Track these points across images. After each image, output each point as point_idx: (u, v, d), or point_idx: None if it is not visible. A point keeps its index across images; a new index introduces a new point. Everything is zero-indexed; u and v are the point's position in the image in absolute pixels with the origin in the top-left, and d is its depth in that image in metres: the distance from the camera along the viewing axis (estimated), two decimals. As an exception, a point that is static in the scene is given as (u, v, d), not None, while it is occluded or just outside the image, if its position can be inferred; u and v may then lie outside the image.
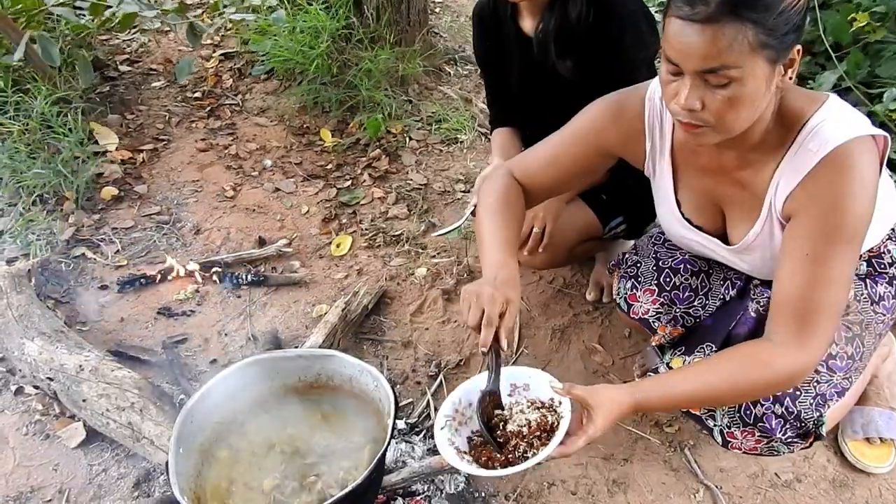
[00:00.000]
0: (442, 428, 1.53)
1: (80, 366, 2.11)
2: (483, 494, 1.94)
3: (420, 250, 2.77)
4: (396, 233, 2.87)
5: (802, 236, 1.42)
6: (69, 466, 2.06)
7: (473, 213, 2.07)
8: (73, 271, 2.73)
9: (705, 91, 1.31)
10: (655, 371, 1.88)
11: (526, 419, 1.51)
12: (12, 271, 2.51)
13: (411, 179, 3.16)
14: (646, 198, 2.37)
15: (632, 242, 2.58)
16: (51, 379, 2.14)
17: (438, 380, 2.26)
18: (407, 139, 3.39)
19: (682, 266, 1.91)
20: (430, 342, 2.40)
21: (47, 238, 2.81)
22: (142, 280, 2.66)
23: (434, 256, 2.73)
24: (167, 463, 1.60)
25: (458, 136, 3.40)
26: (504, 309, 1.49)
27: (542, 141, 1.80)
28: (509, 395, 1.57)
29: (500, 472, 1.44)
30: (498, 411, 1.54)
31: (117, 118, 3.43)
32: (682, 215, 1.71)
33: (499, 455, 1.47)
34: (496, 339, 1.48)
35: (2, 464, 2.07)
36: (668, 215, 1.74)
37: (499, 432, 1.50)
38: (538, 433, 1.47)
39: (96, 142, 3.24)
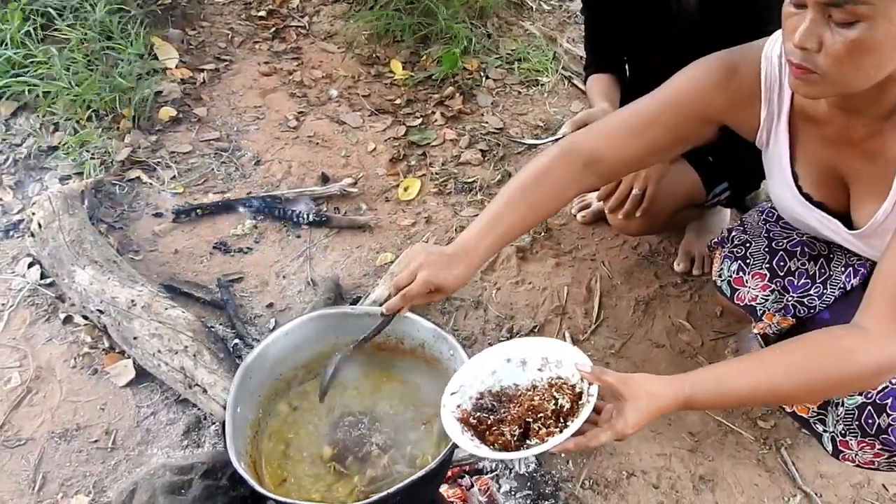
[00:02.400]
0: (454, 393, 1.39)
1: (133, 301, 1.98)
2: (555, 479, 1.78)
3: (494, 201, 2.57)
4: (469, 179, 2.66)
5: None
6: (117, 406, 1.95)
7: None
8: (126, 195, 2.59)
9: (825, 29, 1.10)
10: None
11: (543, 400, 1.31)
12: (65, 191, 2.37)
13: (486, 122, 2.93)
14: (755, 161, 2.14)
15: (727, 213, 2.36)
16: (101, 311, 2.01)
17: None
18: (483, 78, 3.14)
19: (798, 249, 1.67)
20: (501, 304, 2.22)
21: (101, 158, 2.67)
22: (198, 210, 2.51)
23: (509, 209, 2.53)
24: (223, 424, 1.47)
25: (539, 77, 3.14)
26: (422, 291, 1.41)
27: (626, 107, 1.56)
28: (539, 370, 1.39)
29: (492, 454, 1.27)
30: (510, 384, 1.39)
31: (178, 33, 3.23)
32: (800, 190, 1.48)
33: (506, 436, 1.29)
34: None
35: (48, 396, 1.97)
36: (783, 190, 1.51)
37: (512, 409, 1.33)
38: (553, 418, 1.28)
39: (156, 57, 3.06)
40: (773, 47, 1.38)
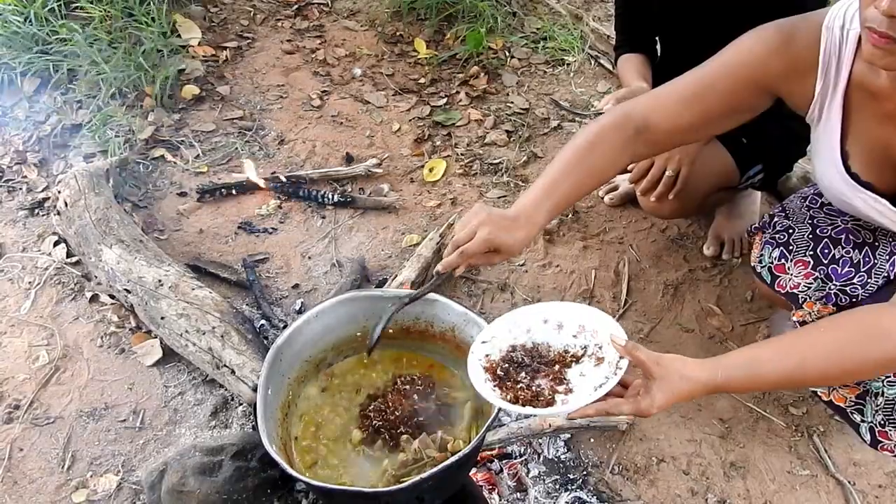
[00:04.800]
0: (485, 342, 1.39)
1: (160, 281, 1.98)
2: (585, 464, 1.77)
3: (520, 183, 2.54)
4: (494, 161, 2.63)
5: None
6: (144, 385, 1.95)
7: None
8: (151, 174, 2.58)
9: None
10: None
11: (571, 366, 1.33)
12: (91, 170, 2.36)
13: (512, 102, 2.89)
14: (789, 144, 2.10)
15: (758, 196, 2.32)
16: (128, 291, 2.01)
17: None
18: (508, 57, 3.10)
19: (843, 236, 1.62)
20: (528, 287, 2.20)
21: (125, 136, 2.66)
22: (222, 190, 2.49)
23: (535, 191, 2.50)
24: (254, 406, 1.46)
25: (565, 57, 3.09)
26: (481, 249, 1.38)
27: (680, 77, 1.51)
28: (574, 337, 1.38)
29: (510, 406, 1.27)
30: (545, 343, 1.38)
31: (200, 10, 3.20)
32: (847, 170, 1.43)
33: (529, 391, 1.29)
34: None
35: (76, 375, 1.98)
36: (830, 169, 1.46)
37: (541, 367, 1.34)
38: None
39: (178, 35, 3.04)
40: (835, 18, 1.32)
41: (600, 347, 1.33)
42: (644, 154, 1.60)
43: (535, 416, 1.29)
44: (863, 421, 1.52)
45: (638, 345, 1.25)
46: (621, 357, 1.26)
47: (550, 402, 1.27)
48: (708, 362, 1.23)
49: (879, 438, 1.49)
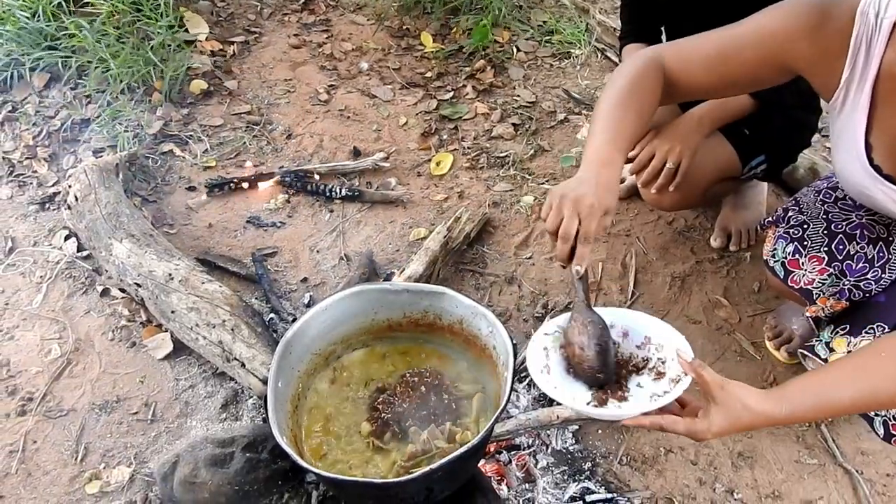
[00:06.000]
0: (546, 334, 1.38)
1: (170, 274, 1.99)
2: (593, 454, 1.78)
3: (527, 176, 2.55)
4: (501, 154, 2.64)
5: None
6: (155, 378, 1.97)
7: None
8: (160, 168, 2.60)
9: None
10: (811, 350, 1.64)
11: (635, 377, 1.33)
12: (100, 164, 2.38)
13: (518, 96, 2.89)
14: (792, 135, 2.10)
15: (764, 187, 2.32)
16: (139, 285, 2.03)
17: (545, 322, 2.07)
18: (514, 50, 3.10)
19: (858, 232, 1.60)
20: (536, 279, 2.21)
21: (135, 130, 2.67)
22: (231, 184, 2.51)
23: (543, 183, 2.50)
24: (264, 398, 1.47)
25: (572, 50, 3.09)
26: (591, 217, 1.25)
27: (708, 32, 1.47)
28: (638, 347, 1.38)
29: (569, 402, 1.27)
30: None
31: (208, 5, 3.22)
32: (871, 161, 1.40)
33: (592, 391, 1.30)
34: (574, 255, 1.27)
35: (88, 368, 2.00)
36: (851, 161, 1.43)
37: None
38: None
39: (186, 30, 3.05)
40: (872, 4, 1.27)
41: (663, 362, 1.32)
42: (664, 101, 1.53)
43: (588, 415, 1.29)
44: (877, 415, 1.52)
45: (704, 364, 1.21)
46: (685, 374, 1.23)
47: (603, 404, 1.28)
48: (772, 394, 1.20)
49: (893, 432, 1.48)
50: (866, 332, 1.53)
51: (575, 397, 1.31)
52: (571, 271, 1.30)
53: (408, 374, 1.64)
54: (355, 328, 1.70)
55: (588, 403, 1.29)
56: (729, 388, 1.18)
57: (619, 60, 2.50)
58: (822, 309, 1.63)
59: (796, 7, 1.35)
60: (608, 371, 1.31)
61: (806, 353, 1.66)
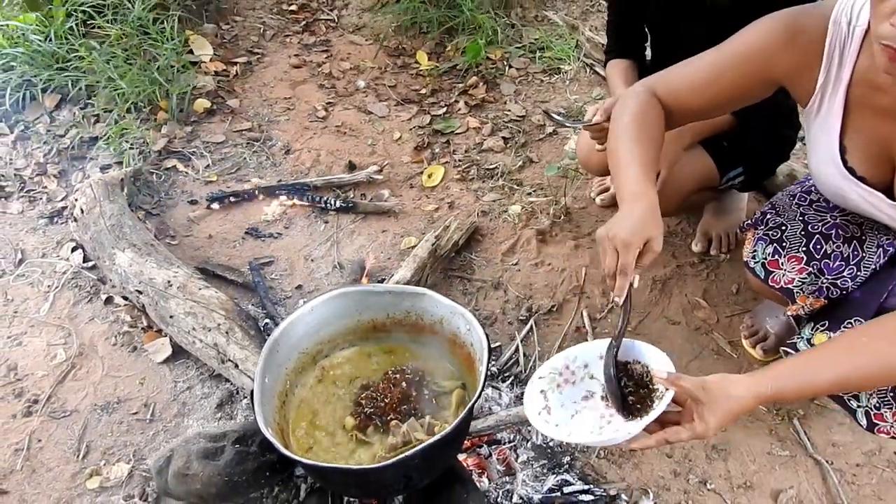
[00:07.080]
0: (541, 377, 1.45)
1: (169, 281, 2.09)
2: (571, 449, 1.84)
3: (515, 186, 2.63)
4: (491, 166, 2.73)
5: None
6: (155, 381, 2.06)
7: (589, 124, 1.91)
8: (163, 183, 2.71)
9: None
10: (793, 347, 1.70)
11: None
12: (106, 179, 2.49)
13: (509, 110, 2.99)
14: (769, 149, 2.17)
15: (745, 196, 2.39)
16: (140, 292, 2.13)
17: (529, 325, 2.15)
18: (506, 67, 3.21)
19: (833, 232, 1.66)
20: (521, 285, 2.29)
21: (140, 147, 2.79)
22: (231, 197, 2.61)
23: (530, 194, 2.59)
24: (252, 392, 1.56)
25: (561, 66, 3.19)
26: (626, 251, 1.34)
27: (691, 59, 1.57)
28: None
29: (567, 438, 1.35)
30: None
31: (213, 28, 3.35)
32: (845, 164, 1.47)
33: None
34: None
35: (91, 372, 2.09)
36: (826, 163, 1.50)
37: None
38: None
39: (191, 51, 3.18)
40: (843, 12, 1.35)
41: (653, 380, 1.38)
42: (665, 129, 1.63)
43: (589, 445, 1.38)
44: (859, 406, 1.56)
45: (681, 375, 1.28)
46: (667, 389, 1.30)
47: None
48: (754, 377, 1.27)
49: (875, 421, 1.52)
50: (845, 327, 1.58)
51: (571, 433, 1.38)
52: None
53: (391, 372, 1.73)
54: (342, 328, 1.79)
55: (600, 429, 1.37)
56: (709, 386, 1.25)
57: (605, 75, 2.58)
58: (802, 307, 1.68)
59: (771, 23, 1.43)
60: (616, 401, 1.38)
61: (788, 350, 1.71)
